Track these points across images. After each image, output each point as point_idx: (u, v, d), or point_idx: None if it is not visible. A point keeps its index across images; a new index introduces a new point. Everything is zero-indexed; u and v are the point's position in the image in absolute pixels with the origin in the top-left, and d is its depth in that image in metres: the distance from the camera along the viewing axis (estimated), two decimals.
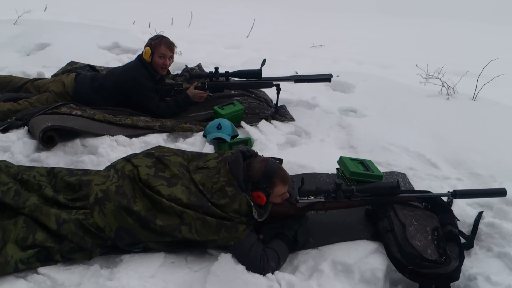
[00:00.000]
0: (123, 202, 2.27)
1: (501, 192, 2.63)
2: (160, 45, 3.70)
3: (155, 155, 2.55)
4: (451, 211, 2.63)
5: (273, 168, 2.43)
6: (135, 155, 2.58)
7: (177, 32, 8.03)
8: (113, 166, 2.53)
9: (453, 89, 4.42)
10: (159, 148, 2.70)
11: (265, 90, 4.40)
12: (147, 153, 2.60)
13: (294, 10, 10.12)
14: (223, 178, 2.40)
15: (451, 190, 2.63)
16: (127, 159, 2.53)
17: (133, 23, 8.51)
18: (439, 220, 2.56)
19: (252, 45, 7.95)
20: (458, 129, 3.82)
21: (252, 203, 2.34)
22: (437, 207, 2.65)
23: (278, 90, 4.06)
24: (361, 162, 3.02)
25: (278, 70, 5.00)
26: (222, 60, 5.88)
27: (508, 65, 4.64)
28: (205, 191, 2.37)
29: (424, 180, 3.15)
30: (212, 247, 2.37)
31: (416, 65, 4.76)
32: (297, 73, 5.26)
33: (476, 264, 2.46)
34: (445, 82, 4.42)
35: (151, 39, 3.75)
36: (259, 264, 2.27)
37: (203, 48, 7.33)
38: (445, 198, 2.65)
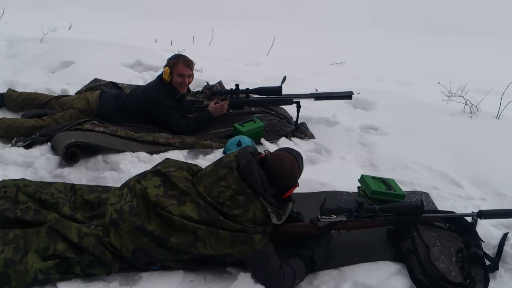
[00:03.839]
0: (137, 222, 2.26)
1: None
2: (178, 64, 3.73)
3: (162, 172, 2.52)
4: (476, 232, 2.57)
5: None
6: (144, 175, 2.56)
7: (198, 49, 8.12)
8: (126, 184, 2.52)
9: (476, 107, 4.36)
10: (165, 162, 2.67)
11: (285, 107, 4.40)
12: (155, 171, 2.56)
13: (314, 28, 10.15)
14: (231, 187, 2.35)
15: (475, 211, 2.58)
16: (138, 180, 2.52)
17: (155, 41, 8.64)
18: (463, 242, 2.50)
19: (272, 62, 7.98)
20: (482, 148, 3.75)
21: (268, 208, 2.29)
22: (461, 228, 2.59)
23: (299, 107, 4.06)
24: (383, 180, 2.98)
25: (298, 87, 5.00)
26: (243, 77, 5.91)
27: None
28: (213, 202, 2.34)
29: (448, 200, 3.09)
30: (230, 261, 2.32)
31: (439, 83, 4.71)
32: (317, 90, 5.25)
33: (501, 287, 2.39)
34: (468, 100, 4.37)
35: (169, 59, 3.79)
36: (276, 278, 2.22)
37: (223, 65, 7.38)
38: (469, 219, 2.60)
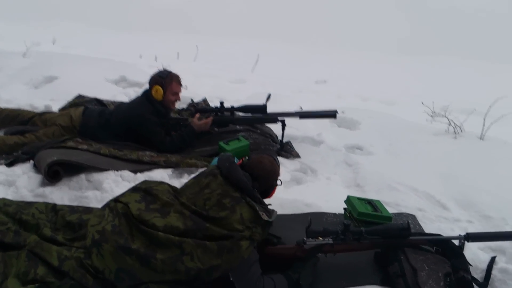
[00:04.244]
0: (120, 242, 2.19)
1: None
2: (172, 83, 3.70)
3: (142, 188, 2.49)
4: (463, 256, 2.55)
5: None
6: (122, 194, 2.52)
7: (183, 66, 8.09)
8: (107, 205, 2.46)
9: (460, 127, 4.40)
10: (145, 182, 2.65)
11: (270, 125, 4.38)
12: (134, 188, 2.54)
13: (297, 46, 10.23)
14: (216, 192, 2.36)
15: (461, 233, 2.56)
16: (116, 200, 2.47)
17: (140, 57, 8.60)
18: (451, 265, 2.48)
19: (257, 79, 7.99)
20: (467, 169, 3.77)
21: (257, 207, 2.31)
22: (449, 251, 2.57)
23: (284, 125, 4.03)
24: (369, 202, 2.96)
25: (283, 105, 5.00)
26: (227, 94, 5.90)
27: None
28: (199, 210, 2.31)
29: (434, 222, 3.09)
30: (217, 276, 2.25)
31: (422, 103, 4.75)
32: (302, 108, 5.26)
33: None
34: (452, 120, 4.40)
35: (159, 77, 3.71)
36: (254, 285, 2.19)
37: (208, 82, 7.36)
38: (456, 242, 2.58)
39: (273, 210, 2.49)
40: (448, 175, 3.68)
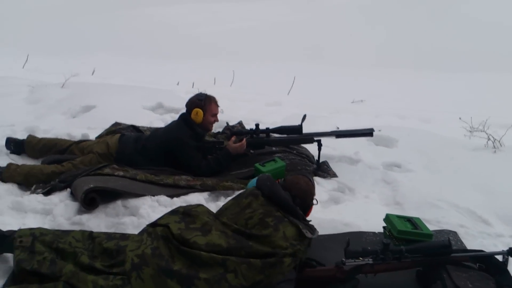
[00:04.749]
0: (161, 264, 2.19)
1: None
2: (211, 104, 3.81)
3: (180, 211, 2.52)
4: (508, 272, 2.45)
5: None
6: (159, 218, 2.54)
7: (220, 90, 8.16)
8: (145, 230, 2.49)
9: (499, 142, 4.27)
10: (181, 206, 2.68)
11: (306, 146, 4.37)
12: (172, 211, 2.57)
13: (332, 68, 10.22)
14: (258, 211, 2.38)
15: (505, 249, 2.46)
16: (153, 224, 2.49)
17: (177, 84, 8.78)
18: (495, 282, 2.40)
19: (293, 101, 8.00)
20: (508, 184, 3.65)
21: (300, 224, 2.32)
22: (492, 267, 2.48)
23: (320, 145, 4.02)
24: (409, 219, 2.90)
25: (320, 125, 4.99)
26: (263, 117, 5.93)
27: None
28: (241, 228, 2.32)
29: (477, 238, 2.99)
30: None
31: (460, 118, 4.65)
32: (338, 128, 5.23)
33: None
34: (490, 135, 4.29)
35: (198, 99, 3.80)
36: None
37: (244, 106, 7.42)
38: (500, 257, 2.48)
39: (315, 228, 2.50)
40: (489, 190, 3.57)
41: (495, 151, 4.21)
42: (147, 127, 4.58)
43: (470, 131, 4.46)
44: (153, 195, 3.26)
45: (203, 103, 3.76)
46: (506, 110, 5.94)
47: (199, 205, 2.63)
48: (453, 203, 3.40)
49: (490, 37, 10.75)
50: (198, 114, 3.74)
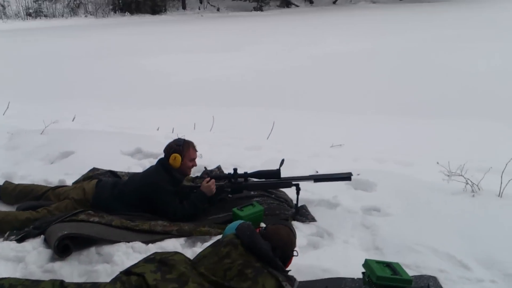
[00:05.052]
0: None
1: None
2: (189, 149, 3.83)
3: (157, 259, 2.46)
4: None
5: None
6: (134, 265, 2.48)
7: (199, 135, 8.20)
8: (118, 278, 2.42)
9: (477, 186, 4.31)
10: (157, 253, 2.62)
11: (285, 190, 4.35)
12: (147, 259, 2.51)
13: (313, 112, 10.37)
14: (237, 262, 2.32)
15: None
16: (128, 272, 2.42)
17: (157, 129, 8.76)
18: None
19: (273, 146, 8.01)
20: (487, 227, 3.65)
21: (280, 277, 2.27)
22: None
23: (298, 190, 4.01)
24: (388, 265, 2.85)
25: (299, 170, 4.98)
26: (243, 161, 5.91)
27: None
28: (219, 280, 2.25)
29: (457, 284, 2.96)
30: None
31: (437, 163, 4.69)
32: (317, 172, 5.24)
33: None
34: (468, 179, 4.32)
35: (176, 144, 3.83)
36: None
37: (224, 150, 7.40)
38: None
39: (295, 279, 2.45)
40: (468, 234, 3.56)
41: (473, 195, 4.24)
42: (125, 172, 4.54)
43: (448, 175, 4.49)
44: (128, 242, 3.20)
45: (181, 148, 3.77)
46: (483, 155, 6.04)
47: (176, 253, 2.57)
48: (432, 247, 3.37)
49: (466, 84, 11.11)
50: (176, 159, 3.73)
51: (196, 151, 3.91)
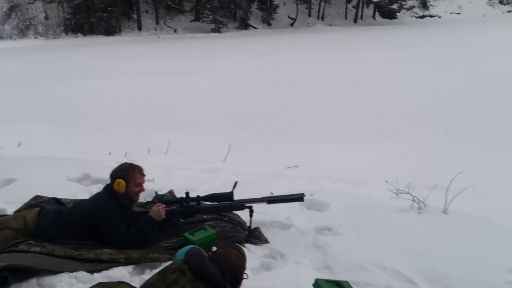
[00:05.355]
0: None
1: None
2: (135, 175, 3.69)
3: None
4: None
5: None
6: None
7: (154, 160, 8.09)
8: None
9: (423, 203, 4.43)
10: (101, 284, 2.53)
11: (239, 212, 4.32)
12: None
13: (269, 134, 10.48)
14: None
15: None
16: None
17: (109, 154, 8.59)
18: None
19: (229, 168, 8.00)
20: (433, 243, 3.75)
21: None
22: None
23: (251, 212, 3.98)
24: (338, 283, 2.85)
25: (255, 191, 4.97)
26: (199, 184, 5.86)
27: (474, 177, 4.75)
28: None
29: None
30: None
31: (386, 181, 4.80)
32: (272, 193, 5.24)
33: None
34: (415, 196, 4.44)
35: (120, 170, 3.70)
36: None
37: (179, 174, 7.33)
38: None
39: None
40: (414, 250, 3.63)
41: (420, 212, 4.35)
42: (70, 200, 4.37)
43: (396, 193, 4.60)
44: (72, 271, 3.07)
45: (125, 173, 3.66)
46: (430, 172, 6.23)
47: (121, 283, 2.50)
48: (380, 265, 3.42)
49: (415, 105, 11.55)
50: (120, 184, 3.62)
51: (143, 175, 3.79)
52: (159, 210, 3.75)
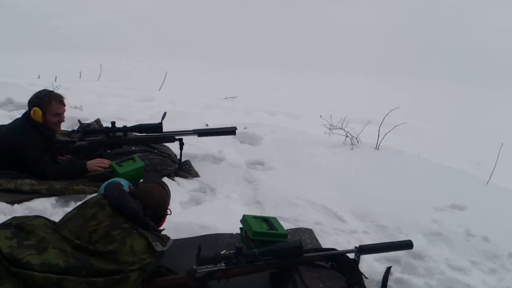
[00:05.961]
0: None
1: (407, 245, 2.58)
2: (51, 103, 3.37)
3: (13, 224, 2.23)
4: (358, 269, 2.49)
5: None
6: None
7: (86, 85, 7.71)
8: None
9: (356, 138, 4.45)
10: (16, 218, 2.38)
11: (169, 145, 4.18)
12: (3, 225, 2.27)
13: (207, 63, 10.21)
14: (104, 224, 2.18)
15: (357, 245, 2.52)
16: None
17: (38, 77, 8.09)
18: (346, 281, 2.42)
19: (165, 97, 7.79)
20: (363, 180, 3.80)
21: (150, 237, 2.18)
22: (343, 265, 2.51)
23: (181, 144, 3.85)
24: (265, 220, 2.84)
25: (189, 122, 4.85)
26: (131, 114, 5.64)
27: (408, 114, 4.82)
28: (84, 243, 2.10)
29: (331, 235, 3.04)
30: None
31: (320, 116, 4.77)
32: (207, 125, 5.14)
33: None
34: (348, 132, 4.45)
35: (37, 97, 3.38)
36: None
37: (113, 101, 7.06)
38: (352, 255, 2.53)
39: (168, 238, 2.35)
40: (345, 187, 3.68)
41: (352, 148, 4.38)
42: None
43: (330, 129, 4.60)
44: None
45: (42, 102, 3.36)
46: (364, 107, 6.30)
47: (36, 217, 2.35)
48: (310, 201, 3.43)
49: (355, 40, 11.52)
50: (36, 113, 3.32)
51: (63, 104, 3.46)
52: (96, 164, 3.50)
